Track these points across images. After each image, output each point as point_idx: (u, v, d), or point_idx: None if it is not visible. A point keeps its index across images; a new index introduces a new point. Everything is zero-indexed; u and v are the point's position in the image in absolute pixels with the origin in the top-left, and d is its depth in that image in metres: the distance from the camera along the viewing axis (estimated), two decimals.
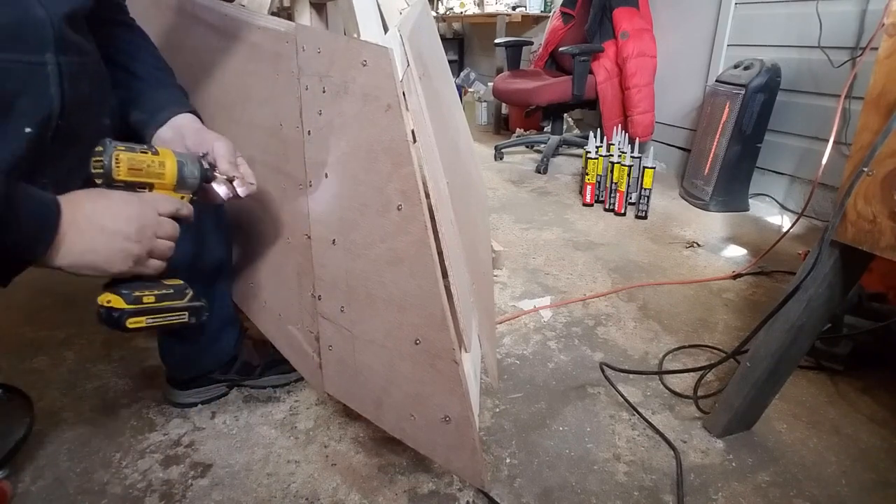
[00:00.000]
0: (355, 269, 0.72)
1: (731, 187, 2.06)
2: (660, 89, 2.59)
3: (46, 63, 0.56)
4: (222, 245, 0.94)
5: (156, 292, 0.62)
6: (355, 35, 0.79)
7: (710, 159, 2.08)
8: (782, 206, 2.07)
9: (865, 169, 0.67)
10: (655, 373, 1.10)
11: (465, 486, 0.82)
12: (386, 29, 0.87)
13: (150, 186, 0.62)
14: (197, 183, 0.66)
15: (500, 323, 1.28)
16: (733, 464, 0.87)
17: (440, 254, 0.66)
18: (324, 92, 0.72)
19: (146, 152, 0.61)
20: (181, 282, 0.67)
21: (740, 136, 1.98)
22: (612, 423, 0.96)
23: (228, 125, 0.97)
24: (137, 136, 0.76)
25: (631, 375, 1.08)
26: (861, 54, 1.70)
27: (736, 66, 2.05)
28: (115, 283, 0.60)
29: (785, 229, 1.74)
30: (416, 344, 0.67)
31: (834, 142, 1.44)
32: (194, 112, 0.78)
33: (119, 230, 0.56)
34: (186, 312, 0.66)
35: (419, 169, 0.65)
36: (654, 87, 2.58)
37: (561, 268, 1.58)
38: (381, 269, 0.69)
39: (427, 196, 0.66)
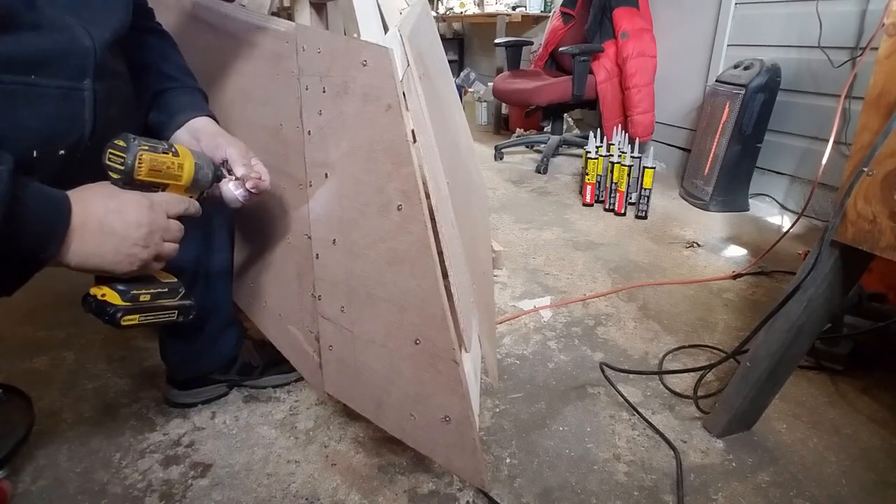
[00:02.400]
0: (356, 269, 0.72)
1: (731, 187, 2.06)
2: (660, 89, 2.59)
3: (84, 89, 0.58)
4: (228, 245, 0.94)
5: (152, 290, 0.62)
6: (355, 35, 0.79)
7: (710, 159, 2.08)
8: (782, 206, 2.07)
9: (865, 169, 0.67)
10: (655, 373, 1.10)
11: (465, 486, 0.82)
12: (386, 29, 0.87)
13: (164, 187, 0.62)
14: (208, 184, 0.67)
15: (500, 323, 1.28)
16: (733, 464, 0.87)
17: (440, 254, 0.66)
18: (324, 92, 0.72)
19: (167, 153, 0.60)
20: (175, 279, 0.66)
21: (740, 136, 1.98)
22: (612, 423, 0.96)
23: (228, 125, 0.97)
24: (154, 135, 0.76)
25: (631, 375, 1.08)
26: (861, 54, 1.70)
27: (736, 66, 2.05)
28: (113, 278, 0.59)
29: (785, 229, 1.74)
30: (417, 344, 0.67)
31: (834, 142, 1.44)
32: (212, 116, 0.79)
33: (128, 235, 0.56)
34: (176, 311, 0.65)
35: (419, 169, 0.65)
36: (654, 87, 2.59)
37: (561, 268, 1.58)
38: (381, 269, 0.69)
39: (427, 196, 0.66)
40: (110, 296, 0.59)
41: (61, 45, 0.54)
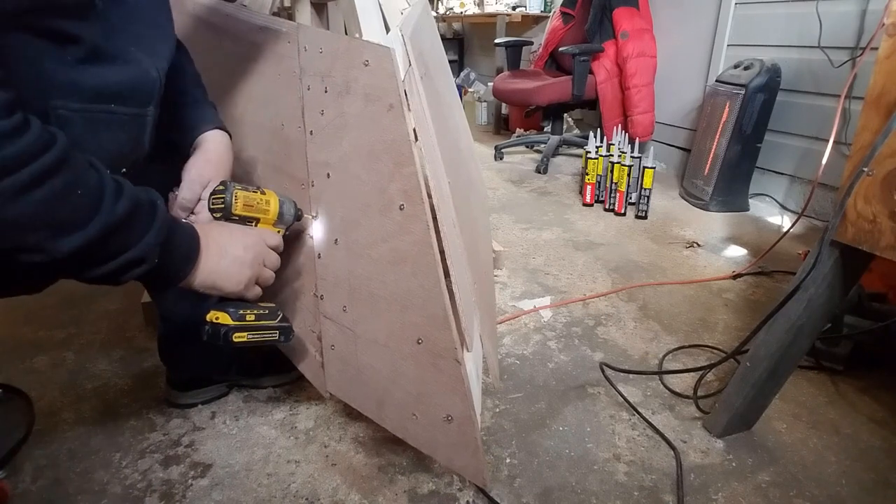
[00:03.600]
0: (357, 268, 0.72)
1: (731, 187, 2.06)
2: (660, 89, 2.60)
3: (147, 115, 0.61)
4: None
5: (255, 311, 0.70)
6: (357, 35, 0.79)
7: (710, 159, 2.09)
8: (782, 206, 2.07)
9: (865, 169, 0.68)
10: (655, 373, 1.10)
11: (466, 486, 0.82)
12: (387, 29, 0.87)
13: (257, 221, 0.71)
14: (291, 220, 0.75)
15: (501, 323, 1.28)
16: (733, 464, 0.87)
17: (442, 253, 0.66)
18: (326, 92, 0.72)
19: (256, 192, 0.70)
20: (273, 304, 0.74)
21: (740, 136, 1.98)
22: (612, 423, 0.96)
23: (230, 125, 0.97)
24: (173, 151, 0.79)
25: (631, 375, 1.08)
26: (861, 54, 1.71)
27: (736, 66, 2.05)
28: (221, 302, 0.68)
29: (785, 229, 1.74)
30: (419, 343, 0.67)
31: (834, 142, 1.44)
32: (223, 128, 0.79)
33: (239, 256, 0.65)
34: (277, 331, 0.72)
35: (421, 169, 0.65)
36: (654, 87, 2.59)
37: (561, 268, 1.59)
38: (383, 268, 0.69)
39: (429, 196, 0.66)
40: (222, 318, 0.67)
41: (136, 77, 0.58)
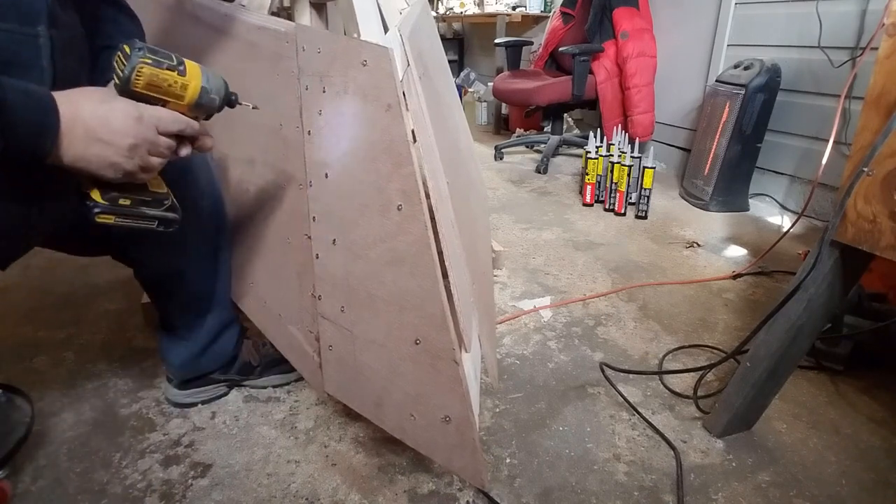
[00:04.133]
0: (356, 269, 0.72)
1: (731, 187, 2.06)
2: (660, 89, 2.59)
3: (39, 35, 0.58)
4: (225, 245, 0.94)
5: (134, 196, 0.63)
6: (355, 35, 0.79)
7: (710, 159, 2.08)
8: (782, 206, 2.07)
9: (865, 169, 0.67)
10: (655, 373, 1.10)
11: (465, 486, 0.82)
12: (386, 29, 0.87)
13: (165, 103, 0.61)
14: (215, 108, 0.65)
15: (500, 323, 1.28)
16: (733, 464, 0.87)
17: (440, 254, 0.66)
18: (324, 92, 0.72)
19: (173, 70, 0.60)
20: (165, 191, 0.67)
21: (740, 136, 1.98)
22: (612, 423, 0.96)
23: (228, 125, 0.97)
24: None
25: (631, 375, 1.08)
26: (861, 54, 1.70)
27: (736, 66, 2.05)
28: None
29: (785, 229, 1.74)
30: (417, 344, 0.67)
31: (834, 142, 1.44)
32: None
33: (113, 144, 0.56)
34: (157, 220, 0.66)
35: (419, 169, 0.64)
36: (654, 87, 2.58)
37: (561, 268, 1.58)
38: (381, 269, 0.69)
39: (427, 196, 0.66)
40: (94, 194, 0.61)
41: None
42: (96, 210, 0.61)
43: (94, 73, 0.74)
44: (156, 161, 0.61)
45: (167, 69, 0.59)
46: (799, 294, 0.78)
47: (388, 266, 0.68)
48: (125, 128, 0.57)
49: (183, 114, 0.63)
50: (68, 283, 1.45)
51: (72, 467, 0.86)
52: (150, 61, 0.57)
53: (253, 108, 0.70)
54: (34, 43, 0.58)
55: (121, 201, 0.63)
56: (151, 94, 0.59)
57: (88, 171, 0.57)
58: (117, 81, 0.58)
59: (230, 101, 0.67)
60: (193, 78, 0.62)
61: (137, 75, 0.57)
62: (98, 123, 0.55)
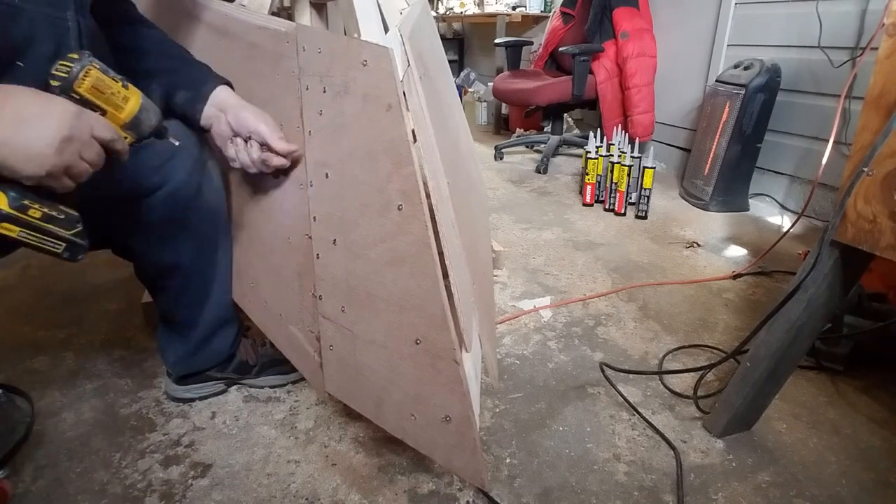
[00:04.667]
0: (356, 269, 0.72)
1: (731, 187, 2.06)
2: (660, 89, 2.59)
3: (67, 19, 0.62)
4: (224, 243, 0.94)
5: (45, 210, 0.58)
6: (356, 35, 0.79)
7: (710, 159, 2.08)
8: (782, 206, 2.07)
9: (865, 169, 0.67)
10: (655, 373, 1.10)
11: (465, 486, 0.82)
12: (386, 29, 0.87)
13: (104, 112, 0.60)
14: (146, 134, 0.65)
15: (500, 323, 1.28)
16: (733, 464, 0.87)
17: (440, 254, 0.66)
18: (324, 92, 0.72)
19: (118, 81, 0.60)
20: (75, 212, 0.62)
21: (740, 136, 1.98)
22: (612, 423, 0.96)
23: None
24: (183, 119, 0.81)
25: (631, 375, 1.08)
26: (861, 54, 1.71)
27: (736, 66, 2.05)
28: (10, 182, 0.55)
29: (785, 229, 1.74)
30: (417, 344, 0.67)
31: (834, 142, 1.44)
32: (228, 83, 0.82)
33: (44, 134, 0.53)
34: (64, 244, 0.61)
35: (420, 169, 0.64)
36: (654, 87, 2.58)
37: (561, 268, 1.58)
38: (381, 269, 0.69)
39: (427, 196, 0.66)
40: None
41: None
42: None
43: (170, 92, 0.79)
44: (83, 168, 0.58)
45: (113, 78, 0.60)
46: (799, 294, 0.78)
47: (388, 266, 0.68)
48: (62, 119, 0.54)
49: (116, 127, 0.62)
50: (68, 283, 1.45)
51: (72, 467, 0.86)
52: (98, 66, 0.58)
53: (178, 145, 0.74)
54: (63, 25, 0.61)
55: (31, 212, 0.56)
56: (93, 98, 0.58)
57: (7, 163, 0.52)
58: (59, 83, 0.56)
59: (160, 131, 0.67)
60: (134, 94, 0.63)
61: (85, 75, 0.57)
62: (33, 110, 0.53)
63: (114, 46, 0.76)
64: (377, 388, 0.74)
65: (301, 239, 0.83)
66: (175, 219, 0.82)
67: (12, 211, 0.55)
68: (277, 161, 0.79)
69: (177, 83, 0.80)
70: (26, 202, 0.56)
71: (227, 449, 0.90)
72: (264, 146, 0.79)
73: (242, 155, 0.80)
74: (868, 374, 1.08)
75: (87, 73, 0.57)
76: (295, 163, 0.81)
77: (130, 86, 0.62)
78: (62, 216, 0.60)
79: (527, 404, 1.01)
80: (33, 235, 0.58)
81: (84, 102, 0.58)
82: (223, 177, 0.95)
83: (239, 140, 0.81)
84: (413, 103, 0.72)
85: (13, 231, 0.56)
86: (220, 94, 0.80)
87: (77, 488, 0.83)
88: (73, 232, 0.61)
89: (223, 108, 0.80)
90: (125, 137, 0.63)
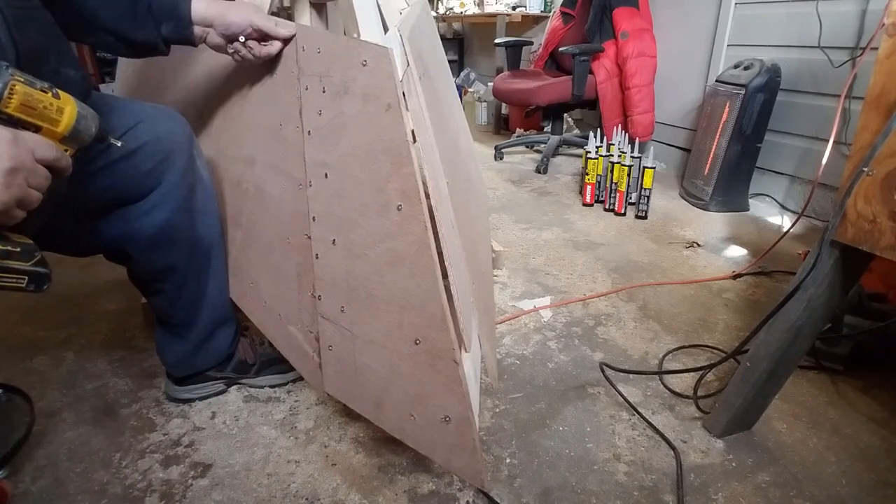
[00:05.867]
0: (355, 269, 0.72)
1: (731, 187, 2.06)
2: (660, 89, 2.59)
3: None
4: (219, 243, 0.94)
5: (0, 247, 0.54)
6: (355, 35, 0.79)
7: (710, 159, 2.08)
8: (782, 206, 2.07)
9: (865, 169, 0.67)
10: (655, 373, 1.10)
11: (465, 486, 0.82)
12: (386, 29, 0.87)
13: (38, 129, 0.54)
14: (88, 141, 0.60)
15: (500, 323, 1.28)
16: (733, 464, 0.87)
17: (440, 254, 0.66)
18: (324, 92, 0.72)
19: (47, 92, 0.54)
20: (31, 241, 0.58)
21: (740, 136, 1.98)
22: (612, 423, 0.96)
23: (228, 125, 0.97)
24: (150, 48, 0.77)
25: (631, 375, 1.08)
26: (861, 54, 1.70)
27: (736, 66, 2.05)
28: None
29: (785, 229, 1.74)
30: (417, 344, 0.67)
31: (834, 142, 1.44)
32: None
33: None
34: (26, 277, 0.57)
35: (419, 169, 0.64)
36: (654, 87, 2.58)
37: (561, 268, 1.58)
38: (381, 269, 0.69)
39: (427, 196, 0.66)
40: None
41: None
42: None
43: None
44: (33, 196, 0.54)
45: (41, 89, 0.53)
46: (799, 294, 0.78)
47: (387, 266, 0.68)
48: (1, 151, 0.49)
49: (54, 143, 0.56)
50: (68, 283, 1.45)
51: (72, 467, 0.86)
52: (22, 79, 0.51)
53: (121, 146, 0.68)
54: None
55: None
56: (24, 117, 0.52)
57: None
58: None
59: (102, 135, 0.62)
60: (68, 103, 0.56)
61: (10, 93, 0.50)
62: None
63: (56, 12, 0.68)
64: (377, 389, 0.74)
65: (300, 239, 0.83)
66: (168, 221, 0.82)
67: None
68: (277, 46, 0.78)
69: (145, 17, 0.74)
70: None
71: (227, 449, 0.90)
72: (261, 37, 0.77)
73: (246, 55, 0.79)
74: (868, 374, 1.08)
75: (11, 89, 0.50)
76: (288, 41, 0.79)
77: (61, 93, 0.56)
78: (17, 248, 0.56)
79: (527, 404, 1.01)
80: None
81: (15, 123, 0.52)
82: (220, 177, 0.95)
83: (237, 45, 0.78)
84: (413, 103, 0.72)
85: None
86: (198, 7, 0.76)
87: (77, 488, 0.83)
88: (32, 262, 0.57)
89: (209, 23, 0.76)
90: (65, 150, 0.58)
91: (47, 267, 0.59)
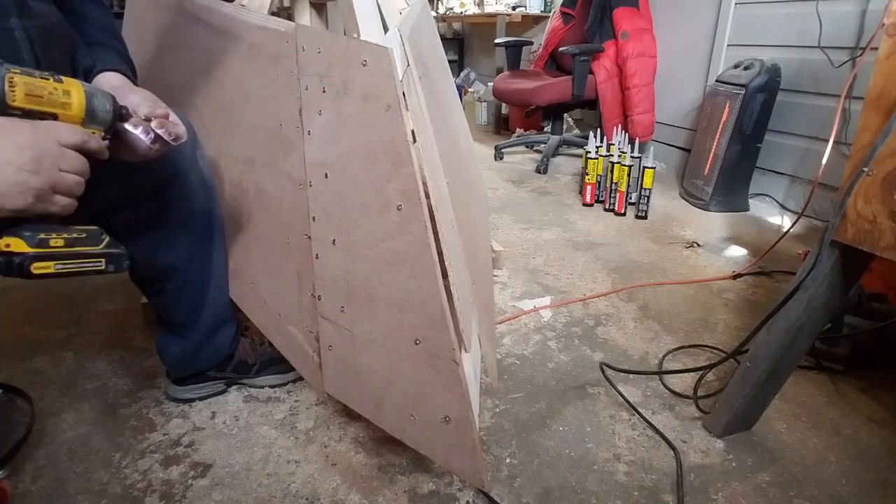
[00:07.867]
0: (355, 269, 0.72)
1: (731, 187, 2.06)
2: (660, 89, 2.59)
3: (13, 28, 0.56)
4: (219, 242, 0.94)
5: (65, 235, 0.55)
6: (355, 35, 0.79)
7: (710, 159, 2.08)
8: (782, 206, 2.07)
9: (865, 169, 0.67)
10: (655, 373, 1.10)
11: (465, 486, 0.82)
12: (386, 29, 0.87)
13: (54, 117, 0.55)
14: (109, 118, 0.60)
15: (500, 323, 1.28)
16: (733, 464, 0.87)
17: (440, 254, 0.66)
18: (324, 92, 0.72)
19: (47, 79, 0.54)
20: (95, 227, 0.60)
21: (740, 136, 1.98)
22: (612, 423, 0.96)
23: (228, 125, 0.97)
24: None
25: (631, 375, 1.08)
26: (861, 54, 1.70)
27: (736, 66, 2.05)
28: (17, 223, 0.53)
29: (785, 229, 1.74)
30: (417, 344, 0.67)
31: (834, 142, 1.44)
32: (123, 72, 0.73)
33: (8, 160, 0.49)
34: (103, 259, 0.59)
35: (419, 169, 0.64)
36: (654, 87, 2.58)
37: (561, 268, 1.58)
38: (381, 269, 0.69)
39: (427, 196, 0.66)
40: (14, 244, 0.52)
41: None
42: (28, 262, 0.52)
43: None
44: (71, 179, 0.54)
45: (41, 77, 0.53)
46: (799, 294, 0.78)
47: (387, 266, 0.68)
48: (18, 139, 0.50)
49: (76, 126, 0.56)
50: (68, 283, 1.45)
51: (72, 467, 0.86)
52: (18, 70, 0.51)
53: (146, 119, 0.65)
54: (10, 37, 0.56)
55: (52, 243, 0.54)
56: (35, 107, 0.52)
57: None
58: None
59: (122, 112, 0.62)
60: (72, 85, 0.56)
61: (11, 86, 0.50)
62: None
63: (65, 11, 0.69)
64: (376, 389, 0.74)
65: (300, 239, 0.83)
66: (172, 217, 0.82)
67: (36, 250, 0.53)
68: (162, 124, 0.67)
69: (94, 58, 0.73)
70: (43, 236, 0.54)
71: (227, 449, 0.90)
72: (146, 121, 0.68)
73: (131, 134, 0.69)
74: (868, 374, 1.08)
75: (11, 82, 0.50)
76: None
77: (63, 77, 0.55)
78: (83, 234, 0.58)
79: (527, 404, 1.01)
80: (70, 263, 0.56)
81: (27, 114, 0.52)
82: (220, 177, 0.95)
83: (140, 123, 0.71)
84: (412, 103, 0.72)
85: (49, 268, 0.54)
86: (104, 77, 0.71)
87: (77, 488, 0.83)
88: (103, 245, 0.59)
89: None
90: (93, 132, 0.58)
91: (120, 247, 0.61)
